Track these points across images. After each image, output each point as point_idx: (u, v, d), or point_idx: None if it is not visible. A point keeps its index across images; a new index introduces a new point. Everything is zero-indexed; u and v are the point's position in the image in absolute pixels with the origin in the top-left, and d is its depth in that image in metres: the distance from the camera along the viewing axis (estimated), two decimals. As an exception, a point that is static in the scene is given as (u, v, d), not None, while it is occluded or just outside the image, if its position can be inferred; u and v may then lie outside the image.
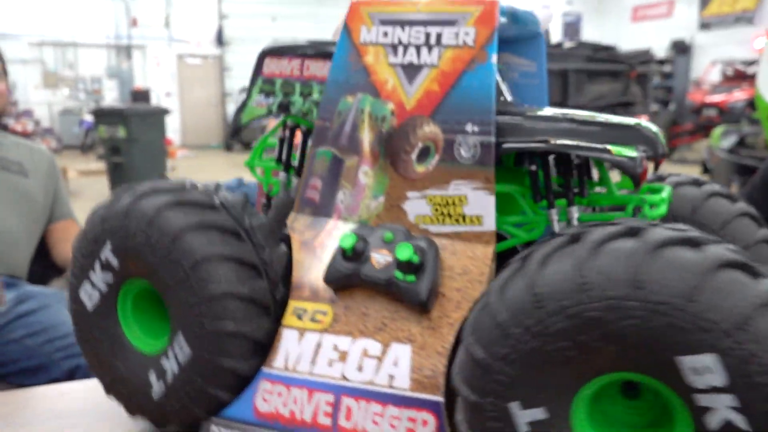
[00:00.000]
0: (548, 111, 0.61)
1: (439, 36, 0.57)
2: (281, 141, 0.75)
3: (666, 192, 0.61)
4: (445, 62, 0.57)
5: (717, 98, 9.89)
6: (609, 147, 0.54)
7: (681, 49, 13.41)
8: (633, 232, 0.44)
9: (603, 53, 2.52)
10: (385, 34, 0.59)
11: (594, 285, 0.43)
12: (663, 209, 0.59)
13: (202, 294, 0.59)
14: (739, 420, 0.39)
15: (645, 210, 0.59)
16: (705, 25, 13.48)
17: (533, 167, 0.60)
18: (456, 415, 0.50)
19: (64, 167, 6.80)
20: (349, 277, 0.60)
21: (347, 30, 0.61)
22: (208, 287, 0.59)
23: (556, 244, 0.47)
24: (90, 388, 0.89)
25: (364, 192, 0.62)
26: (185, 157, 10.34)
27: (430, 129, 0.58)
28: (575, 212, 0.59)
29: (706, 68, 11.73)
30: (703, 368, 0.39)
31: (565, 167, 0.59)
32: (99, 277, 0.65)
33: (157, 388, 0.63)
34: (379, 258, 0.59)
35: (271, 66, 0.70)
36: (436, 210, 0.59)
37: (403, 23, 0.59)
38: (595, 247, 0.44)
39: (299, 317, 0.62)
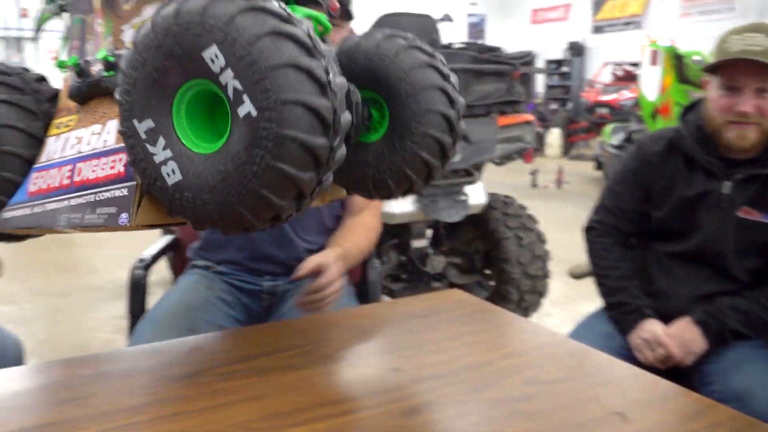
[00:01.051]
0: None
1: None
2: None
3: (300, 10, 0.76)
4: None
5: (608, 97, 10.55)
6: None
7: (576, 50, 14.16)
8: None
9: (488, 54, 2.65)
10: None
11: (155, 24, 0.63)
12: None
13: None
14: (236, 84, 0.59)
15: None
16: (598, 29, 14.30)
17: None
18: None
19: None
20: (80, 88, 0.85)
21: None
22: None
23: None
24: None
25: (100, 37, 0.84)
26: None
27: None
28: None
29: (599, 69, 12.46)
30: (215, 55, 0.60)
31: None
32: None
33: None
34: (96, 68, 0.84)
35: None
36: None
37: None
38: (213, 4, 0.62)
39: (57, 128, 0.89)
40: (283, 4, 0.62)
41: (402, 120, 0.80)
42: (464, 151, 2.63)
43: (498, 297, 3.03)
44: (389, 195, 0.86)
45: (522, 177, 8.24)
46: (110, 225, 0.75)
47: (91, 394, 0.83)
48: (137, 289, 1.51)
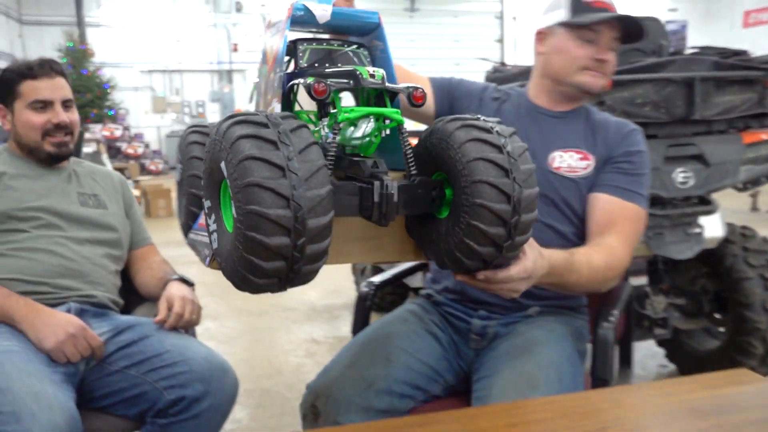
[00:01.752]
0: (333, 69, 0.93)
1: (276, 24, 0.97)
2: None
3: (359, 109, 0.85)
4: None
5: None
6: (308, 80, 0.84)
7: (804, 54, 12.30)
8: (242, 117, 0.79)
9: (734, 59, 2.20)
10: (268, 31, 1.01)
11: (212, 137, 0.80)
12: (353, 114, 0.84)
13: None
14: (231, 192, 0.76)
15: (341, 115, 0.84)
16: (832, 27, 12.31)
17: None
18: None
19: (169, 188, 7.06)
20: None
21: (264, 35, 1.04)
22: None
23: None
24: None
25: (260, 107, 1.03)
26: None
27: (273, 75, 0.95)
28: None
29: (835, 74, 10.66)
30: (224, 168, 0.76)
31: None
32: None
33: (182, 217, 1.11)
34: None
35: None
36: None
37: (270, 24, 1.01)
38: (223, 123, 0.79)
39: None
40: (283, 129, 0.74)
41: (457, 193, 0.86)
42: (699, 175, 2.20)
43: (734, 349, 2.52)
44: (462, 266, 0.89)
45: (738, 199, 7.16)
46: (204, 263, 0.95)
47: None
48: (360, 310, 1.56)
